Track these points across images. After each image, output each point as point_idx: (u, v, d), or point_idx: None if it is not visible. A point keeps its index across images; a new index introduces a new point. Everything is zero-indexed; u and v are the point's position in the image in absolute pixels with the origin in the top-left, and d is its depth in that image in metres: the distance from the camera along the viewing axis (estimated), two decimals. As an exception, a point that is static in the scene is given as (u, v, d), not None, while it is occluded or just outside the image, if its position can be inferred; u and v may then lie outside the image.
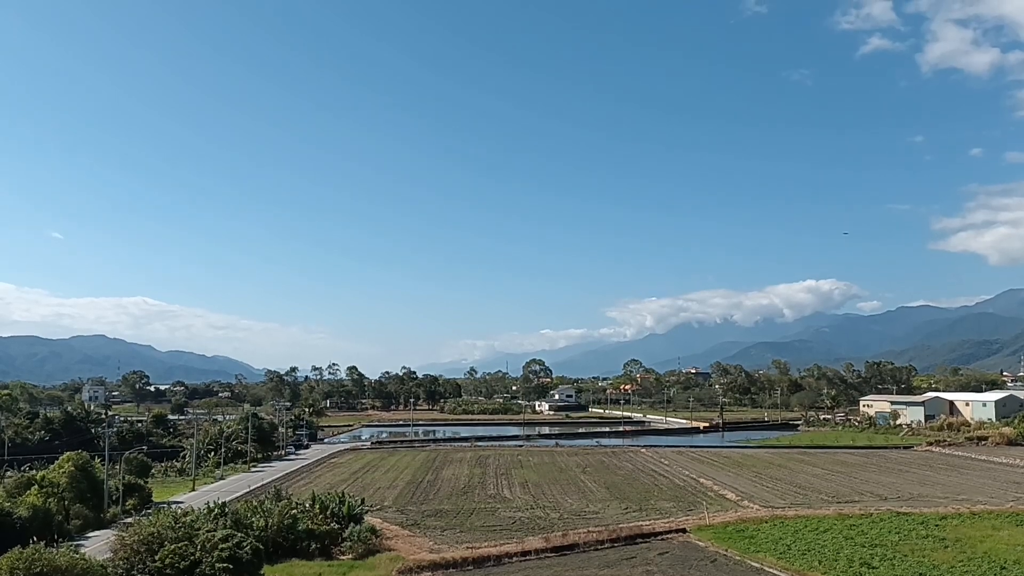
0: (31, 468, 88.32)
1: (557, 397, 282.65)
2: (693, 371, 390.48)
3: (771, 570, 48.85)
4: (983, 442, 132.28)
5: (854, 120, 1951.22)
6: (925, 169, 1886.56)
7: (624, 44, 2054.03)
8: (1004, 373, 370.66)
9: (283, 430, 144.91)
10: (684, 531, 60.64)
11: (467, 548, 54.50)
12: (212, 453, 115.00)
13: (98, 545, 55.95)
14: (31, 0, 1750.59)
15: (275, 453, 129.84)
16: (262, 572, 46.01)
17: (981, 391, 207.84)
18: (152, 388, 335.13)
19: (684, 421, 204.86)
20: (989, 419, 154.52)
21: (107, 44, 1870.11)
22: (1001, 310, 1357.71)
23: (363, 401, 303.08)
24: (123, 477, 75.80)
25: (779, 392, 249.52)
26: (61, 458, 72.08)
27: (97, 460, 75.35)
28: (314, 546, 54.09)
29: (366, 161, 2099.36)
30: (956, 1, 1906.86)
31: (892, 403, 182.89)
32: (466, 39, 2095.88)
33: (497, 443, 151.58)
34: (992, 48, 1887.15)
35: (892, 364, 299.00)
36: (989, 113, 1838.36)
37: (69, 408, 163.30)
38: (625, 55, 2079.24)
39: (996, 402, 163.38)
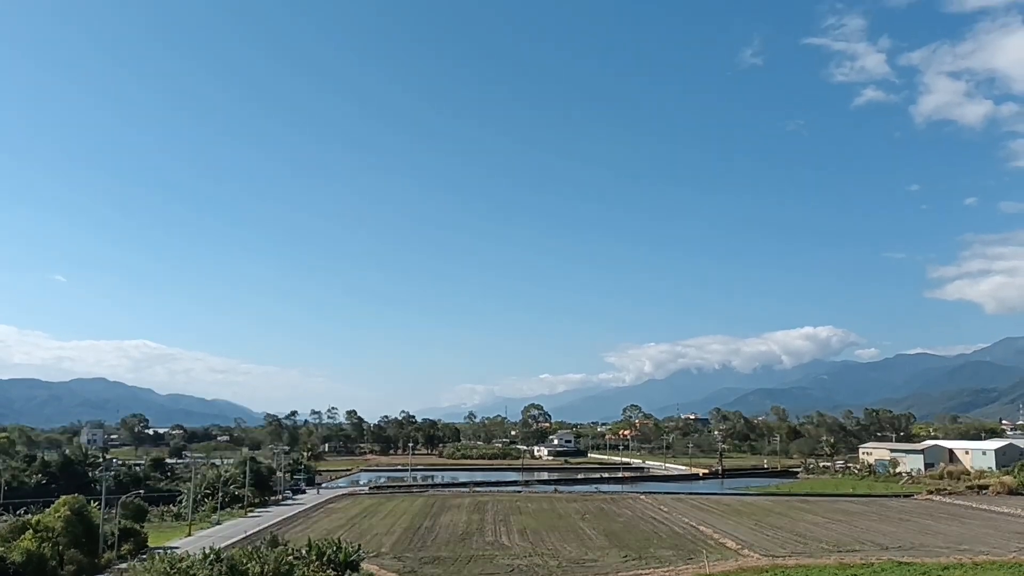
0: (27, 512, 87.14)
1: (556, 442, 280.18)
2: (692, 417, 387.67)
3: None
4: (984, 491, 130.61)
5: (850, 169, 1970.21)
6: (921, 218, 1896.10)
7: (625, 87, 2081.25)
8: (1003, 421, 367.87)
9: (281, 475, 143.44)
10: (684, 580, 59.62)
11: (464, 596, 53.53)
12: (209, 498, 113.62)
13: (91, 591, 54.99)
14: (34, 41, 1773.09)
15: (272, 498, 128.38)
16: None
17: (980, 439, 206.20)
18: (151, 432, 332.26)
19: (683, 468, 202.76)
20: (989, 468, 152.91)
21: (109, 84, 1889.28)
22: (998, 358, 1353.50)
23: (362, 445, 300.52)
24: (119, 522, 74.79)
25: (778, 439, 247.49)
26: (57, 502, 71.18)
27: (93, 504, 74.37)
28: (310, 593, 53.04)
29: (366, 204, 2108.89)
30: (948, 54, 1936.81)
31: (891, 451, 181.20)
32: (469, 78, 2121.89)
33: (496, 489, 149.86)
34: (985, 100, 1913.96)
35: (891, 412, 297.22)
36: (983, 163, 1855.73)
37: (67, 451, 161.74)
38: (625, 98, 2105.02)
39: (996, 451, 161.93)
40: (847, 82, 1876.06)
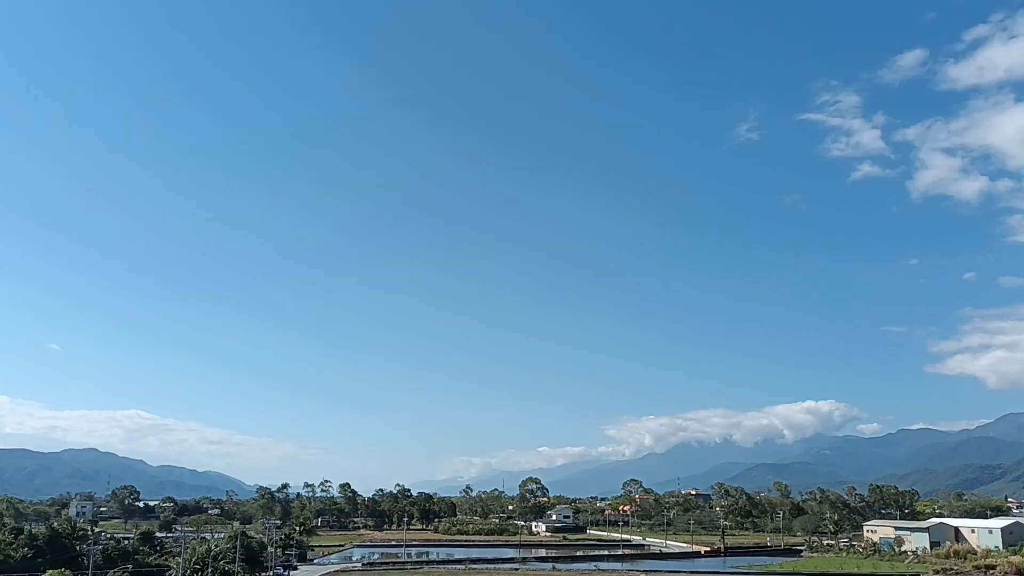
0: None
1: (554, 518, 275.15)
2: (693, 492, 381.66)
3: None
4: (991, 571, 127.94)
5: (849, 243, 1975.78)
6: (920, 292, 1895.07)
7: (621, 161, 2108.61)
8: (1009, 499, 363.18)
9: (272, 549, 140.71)
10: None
11: None
12: (198, 574, 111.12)
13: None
14: (28, 121, 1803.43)
15: (263, 574, 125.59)
16: None
17: (986, 517, 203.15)
18: (141, 504, 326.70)
19: (685, 545, 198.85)
20: (996, 547, 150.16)
21: (104, 161, 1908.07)
22: (1002, 434, 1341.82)
23: (355, 520, 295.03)
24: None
25: (781, 516, 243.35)
26: (43, 576, 69.85)
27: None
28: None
29: (362, 276, 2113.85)
30: (943, 131, 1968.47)
31: (896, 529, 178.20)
32: (468, 152, 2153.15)
33: (492, 566, 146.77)
34: (981, 176, 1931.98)
35: (895, 488, 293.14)
36: (981, 238, 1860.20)
37: (55, 524, 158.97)
38: (622, 172, 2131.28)
39: (1003, 529, 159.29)
40: (843, 157, 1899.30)
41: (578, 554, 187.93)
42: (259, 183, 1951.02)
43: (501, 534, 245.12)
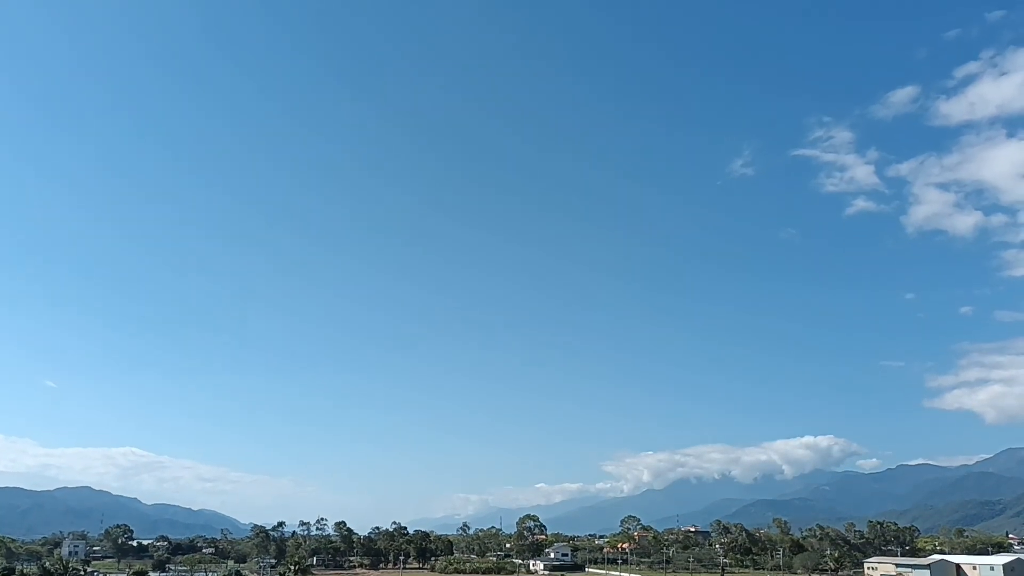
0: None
1: (552, 556, 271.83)
2: (692, 529, 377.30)
3: None
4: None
5: (845, 277, 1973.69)
6: (917, 326, 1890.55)
7: (618, 193, 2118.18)
8: (1010, 536, 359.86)
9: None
10: None
11: None
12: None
13: None
14: (32, 150, 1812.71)
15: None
16: None
17: (987, 553, 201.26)
18: (135, 543, 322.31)
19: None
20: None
21: (109, 196, 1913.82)
22: (1002, 469, 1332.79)
23: (351, 558, 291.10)
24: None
25: (781, 553, 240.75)
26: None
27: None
28: None
29: (358, 309, 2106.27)
30: (936, 166, 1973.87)
31: (897, 566, 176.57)
32: (465, 180, 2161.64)
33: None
34: (975, 211, 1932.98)
35: (895, 524, 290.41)
36: (977, 273, 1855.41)
37: (47, 564, 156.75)
38: (618, 204, 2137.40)
39: (1004, 566, 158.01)
40: (837, 192, 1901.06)
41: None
42: (251, 202, 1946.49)
43: (499, 572, 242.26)
